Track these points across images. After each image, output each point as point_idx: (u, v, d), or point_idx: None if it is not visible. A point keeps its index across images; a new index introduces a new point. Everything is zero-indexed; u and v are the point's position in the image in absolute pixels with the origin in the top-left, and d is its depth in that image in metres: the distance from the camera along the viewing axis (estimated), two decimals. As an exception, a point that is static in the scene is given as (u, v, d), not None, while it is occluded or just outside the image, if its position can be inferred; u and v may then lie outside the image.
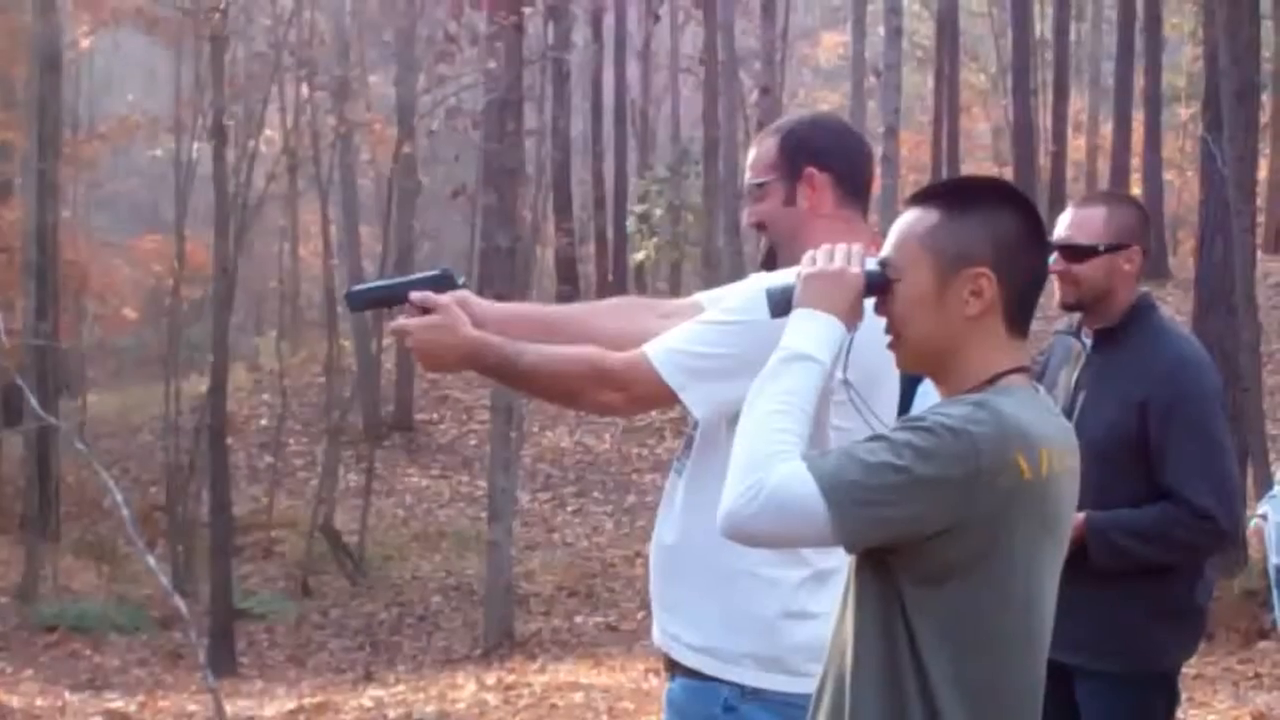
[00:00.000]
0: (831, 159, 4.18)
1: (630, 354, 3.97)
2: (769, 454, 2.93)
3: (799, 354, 3.07)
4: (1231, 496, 5.12)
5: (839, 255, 3.16)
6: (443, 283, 4.20)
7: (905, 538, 2.91)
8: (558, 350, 4.07)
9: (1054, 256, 5.18)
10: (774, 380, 3.06)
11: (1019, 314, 3.10)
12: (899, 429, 2.93)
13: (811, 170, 4.16)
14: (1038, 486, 2.95)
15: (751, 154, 4.29)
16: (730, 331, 3.92)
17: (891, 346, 3.17)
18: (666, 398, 3.97)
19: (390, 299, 4.26)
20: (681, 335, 3.98)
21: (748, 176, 4.27)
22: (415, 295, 4.12)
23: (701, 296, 4.43)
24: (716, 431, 4.00)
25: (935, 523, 2.90)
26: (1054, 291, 5.26)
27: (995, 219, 3.09)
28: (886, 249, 3.16)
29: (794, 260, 4.07)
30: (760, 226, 4.26)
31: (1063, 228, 5.27)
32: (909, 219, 3.15)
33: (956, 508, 2.89)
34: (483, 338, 4.05)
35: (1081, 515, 4.94)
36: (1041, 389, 3.20)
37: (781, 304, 3.20)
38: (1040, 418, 3.03)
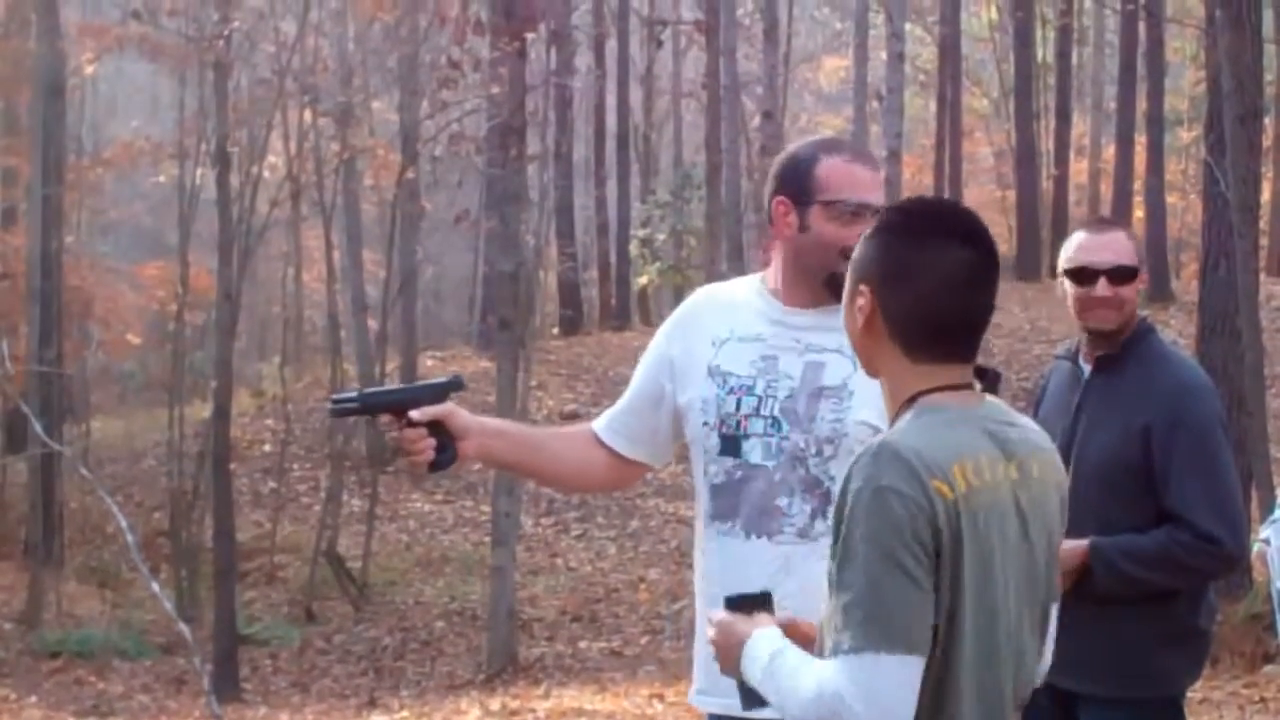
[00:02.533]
0: None
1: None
2: (802, 691, 2.99)
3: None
4: (1236, 520, 5.11)
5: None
6: (446, 390, 4.28)
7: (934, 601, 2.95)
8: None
9: (1101, 281, 5.17)
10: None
11: (917, 341, 3.11)
12: (839, 543, 2.98)
13: None
14: (960, 502, 2.95)
15: (868, 173, 4.27)
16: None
17: None
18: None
19: (378, 409, 4.33)
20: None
21: (873, 197, 4.22)
22: (416, 413, 4.22)
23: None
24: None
25: (929, 569, 2.93)
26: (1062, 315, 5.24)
27: (896, 243, 3.13)
28: None
29: None
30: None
31: (1095, 253, 5.23)
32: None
33: (929, 549, 2.93)
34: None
35: (1085, 541, 4.95)
36: (994, 400, 3.20)
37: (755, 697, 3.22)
38: (952, 435, 3.04)
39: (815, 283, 4.24)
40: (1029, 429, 3.21)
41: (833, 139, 4.41)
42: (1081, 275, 5.20)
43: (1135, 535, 5.03)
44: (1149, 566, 5.02)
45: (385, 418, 4.27)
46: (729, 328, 4.33)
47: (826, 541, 3.88)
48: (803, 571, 4.11)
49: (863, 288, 3.13)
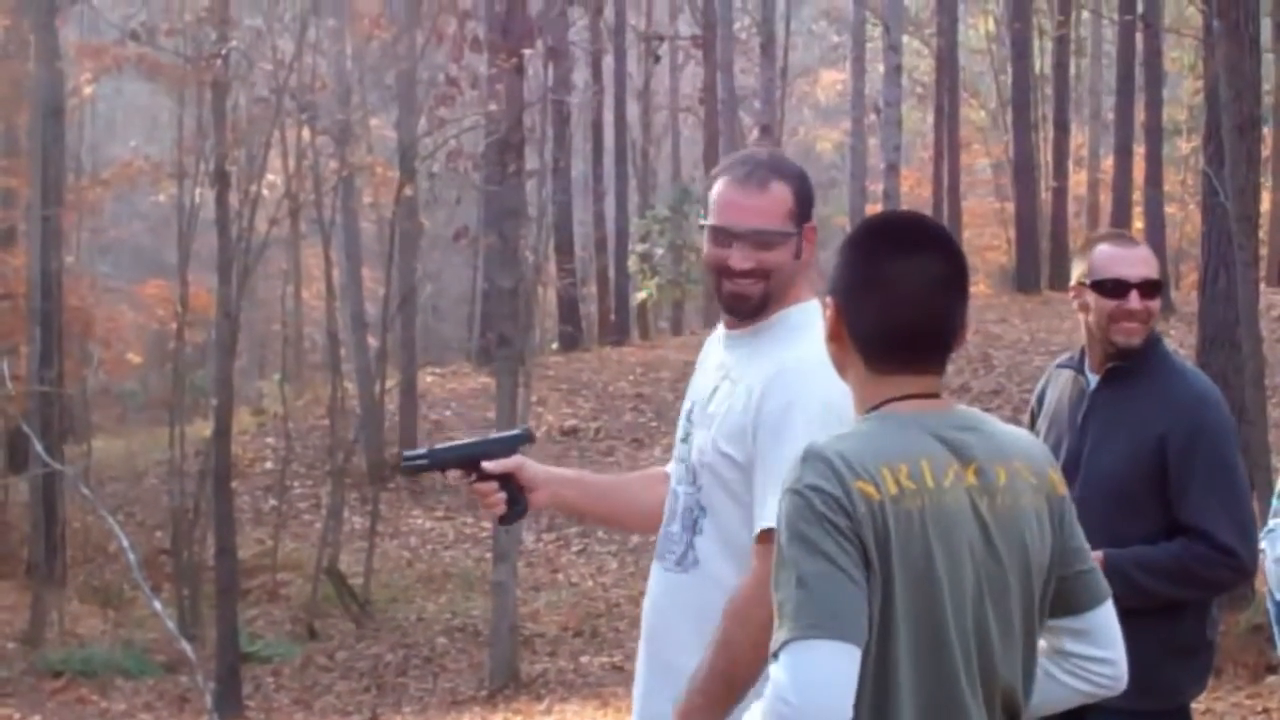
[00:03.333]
0: (812, 209, 4.19)
1: (757, 549, 3.89)
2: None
3: None
4: (1251, 533, 5.14)
5: None
6: (517, 444, 4.36)
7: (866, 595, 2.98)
8: (718, 647, 3.89)
9: (1133, 294, 5.17)
10: None
11: (877, 350, 3.18)
12: (774, 560, 3.02)
13: (812, 223, 4.17)
14: (888, 503, 2.99)
15: (756, 197, 4.13)
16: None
17: None
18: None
19: (448, 464, 4.38)
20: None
21: (757, 223, 4.12)
22: (489, 465, 4.31)
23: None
24: (724, 537, 4.05)
25: (857, 561, 2.97)
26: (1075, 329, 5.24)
27: (858, 258, 3.20)
28: None
29: (777, 306, 4.11)
30: (760, 275, 4.13)
31: (1128, 265, 5.22)
32: None
33: (855, 543, 2.97)
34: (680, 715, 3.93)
35: (1100, 553, 4.95)
36: (962, 409, 3.22)
37: None
38: (890, 439, 3.08)
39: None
40: (1000, 436, 3.22)
41: (747, 157, 4.28)
42: (1114, 288, 5.19)
43: (1148, 547, 5.03)
44: (1164, 579, 5.02)
45: (456, 473, 4.33)
46: (709, 355, 4.35)
47: (701, 572, 3.98)
48: (681, 601, 4.12)
49: (829, 300, 3.22)
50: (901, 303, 3.14)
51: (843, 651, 2.90)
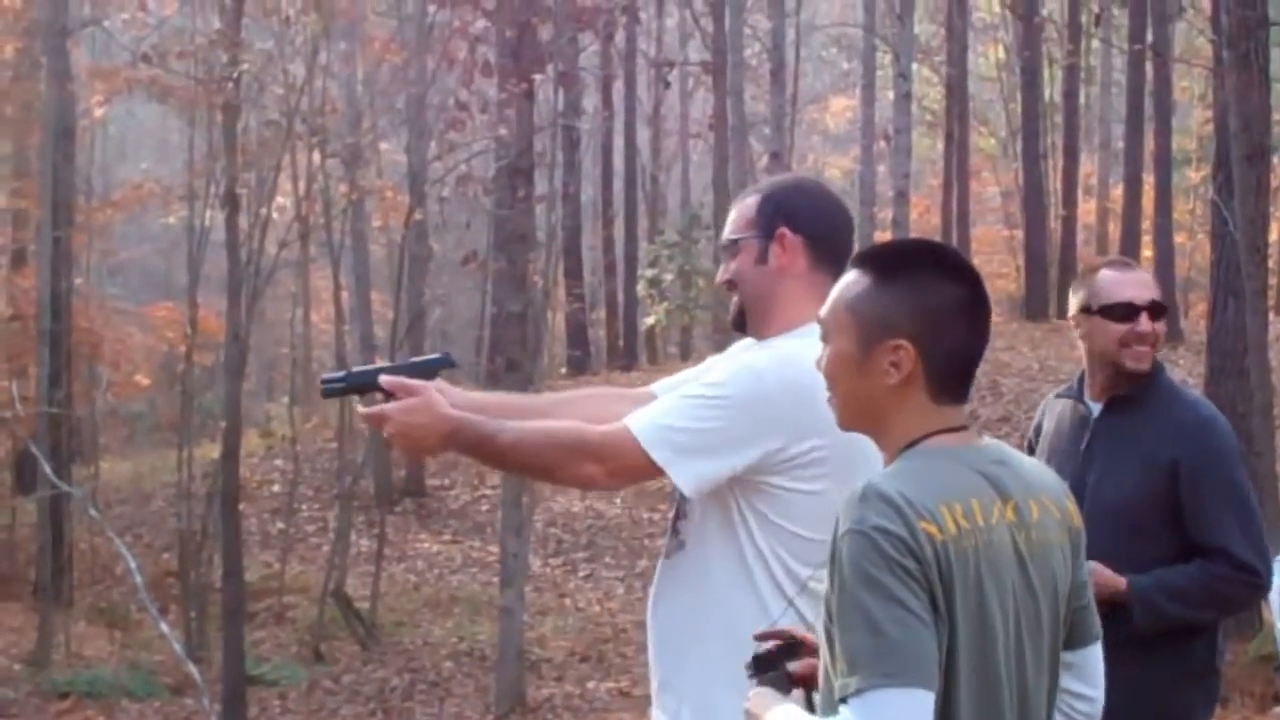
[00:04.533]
0: (806, 221, 4.18)
1: (612, 426, 3.98)
2: None
3: None
4: (1266, 549, 5.16)
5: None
6: (435, 367, 4.24)
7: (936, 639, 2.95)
8: (538, 425, 4.08)
9: (1143, 317, 5.18)
10: None
11: (947, 383, 3.12)
12: (834, 590, 2.97)
13: (784, 230, 4.16)
14: (950, 543, 2.96)
15: (732, 212, 4.29)
16: (717, 406, 3.94)
17: (830, 403, 3.22)
18: (649, 471, 3.96)
19: (366, 386, 4.23)
20: (666, 409, 3.99)
21: (726, 232, 4.27)
22: (387, 380, 4.12)
23: (658, 385, 4.45)
24: (703, 512, 4.06)
25: (927, 605, 2.94)
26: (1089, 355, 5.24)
27: (921, 288, 3.10)
28: (823, 309, 3.21)
29: (762, 321, 4.15)
30: (731, 285, 4.25)
31: (1134, 288, 5.23)
32: (844, 282, 3.20)
33: (923, 585, 2.94)
34: (461, 417, 4.04)
35: (1122, 580, 4.97)
36: (989, 441, 3.20)
37: None
38: (942, 477, 3.04)
39: None
40: (1026, 470, 3.21)
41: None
42: (1125, 312, 5.19)
43: (1168, 570, 5.06)
44: (1189, 602, 5.05)
45: (378, 396, 4.21)
46: None
47: (687, 554, 4.04)
48: (674, 583, 4.19)
49: (900, 342, 3.09)
50: (976, 328, 3.13)
51: (919, 698, 2.87)
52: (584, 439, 3.98)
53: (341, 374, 4.32)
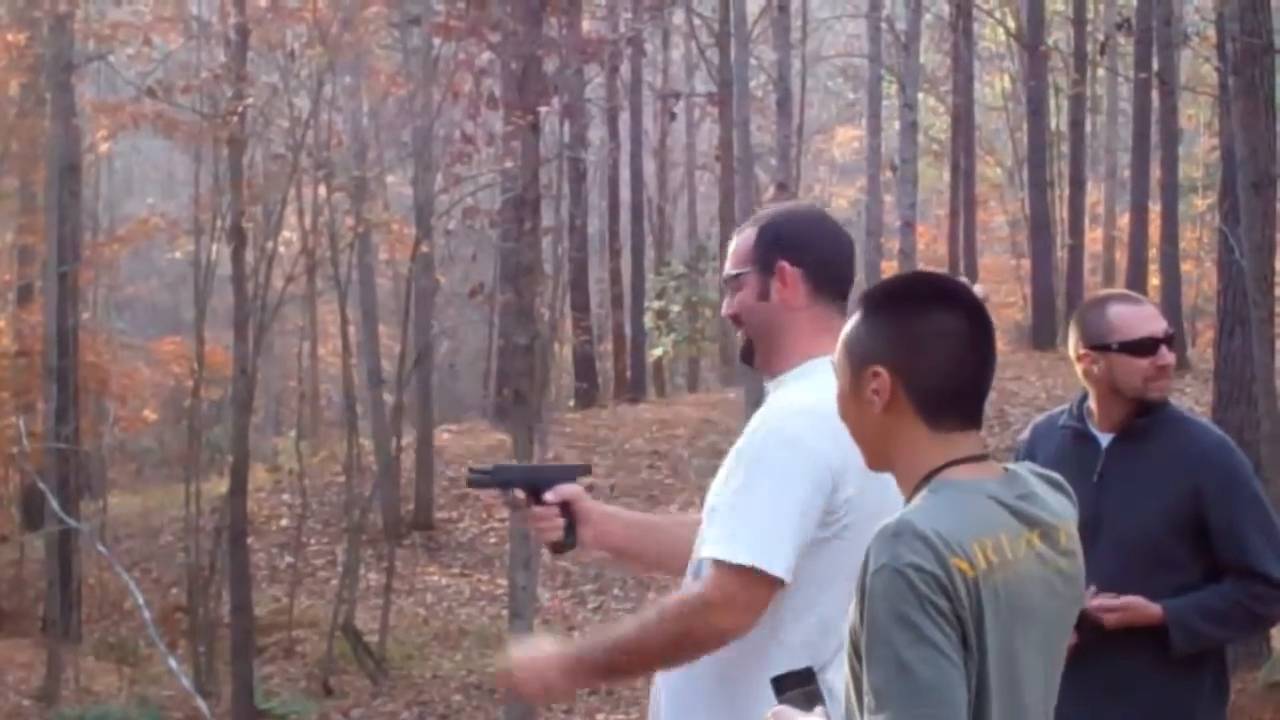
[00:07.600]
0: (805, 252, 4.15)
1: (706, 575, 3.92)
2: None
3: None
4: None
5: None
6: (578, 472, 4.39)
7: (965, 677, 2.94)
8: (637, 622, 4.03)
9: (1162, 349, 5.23)
10: None
11: (940, 409, 3.12)
12: (865, 626, 2.96)
13: (783, 264, 4.14)
14: (981, 579, 2.96)
15: (732, 244, 4.27)
16: (772, 488, 3.90)
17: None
18: (767, 584, 3.88)
19: (510, 483, 4.42)
20: (734, 520, 3.93)
21: (726, 267, 4.25)
22: (551, 495, 4.32)
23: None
24: None
25: (957, 644, 2.94)
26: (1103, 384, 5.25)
27: (903, 315, 3.13)
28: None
29: (771, 355, 4.14)
30: (736, 319, 4.24)
31: (1151, 322, 5.27)
32: (849, 320, 3.24)
33: (954, 623, 2.94)
34: (571, 659, 4.08)
35: (1157, 608, 5.01)
36: (1012, 469, 3.20)
37: None
38: (970, 511, 3.04)
39: None
40: (1049, 499, 3.21)
41: None
42: (1148, 346, 5.22)
43: (1203, 592, 5.12)
44: (1226, 624, 5.13)
45: (518, 493, 4.35)
46: None
47: None
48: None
49: (877, 369, 3.12)
50: (966, 354, 3.13)
51: None
52: (692, 602, 3.92)
53: (489, 466, 4.47)
